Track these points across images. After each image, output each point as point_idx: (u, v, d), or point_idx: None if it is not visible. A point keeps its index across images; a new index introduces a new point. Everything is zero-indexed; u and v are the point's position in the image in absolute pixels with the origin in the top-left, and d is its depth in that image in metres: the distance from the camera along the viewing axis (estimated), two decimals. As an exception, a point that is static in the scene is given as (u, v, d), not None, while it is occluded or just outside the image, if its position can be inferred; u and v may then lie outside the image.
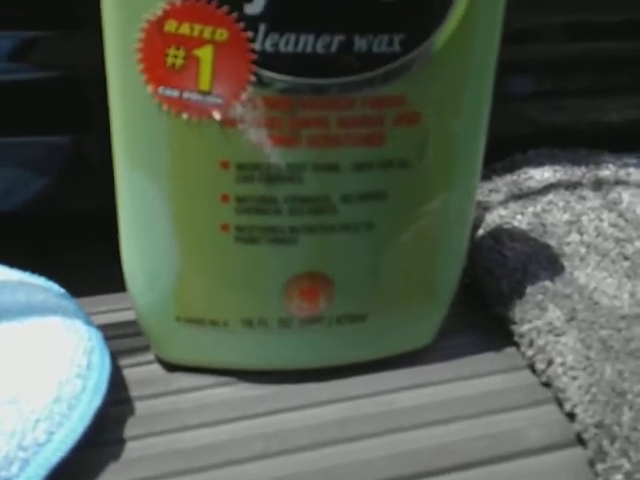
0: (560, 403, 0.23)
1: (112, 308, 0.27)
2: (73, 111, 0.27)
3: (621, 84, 0.36)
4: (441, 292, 0.25)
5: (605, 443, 0.21)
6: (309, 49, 0.19)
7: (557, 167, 0.32)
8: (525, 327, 0.25)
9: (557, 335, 0.24)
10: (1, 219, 0.28)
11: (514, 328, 0.26)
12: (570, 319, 0.25)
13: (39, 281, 0.25)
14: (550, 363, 0.24)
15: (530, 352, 0.25)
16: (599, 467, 0.21)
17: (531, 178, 0.32)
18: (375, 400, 0.24)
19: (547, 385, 0.24)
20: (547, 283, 0.26)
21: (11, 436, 0.18)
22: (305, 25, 0.19)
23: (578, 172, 0.32)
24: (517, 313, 0.26)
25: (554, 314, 0.25)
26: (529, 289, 0.26)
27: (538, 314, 0.25)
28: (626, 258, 0.28)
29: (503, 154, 0.34)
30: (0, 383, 0.20)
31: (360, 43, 0.20)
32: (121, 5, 0.19)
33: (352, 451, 0.22)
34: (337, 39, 0.19)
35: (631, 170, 0.33)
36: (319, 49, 0.19)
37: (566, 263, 0.28)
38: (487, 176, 0.32)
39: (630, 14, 0.34)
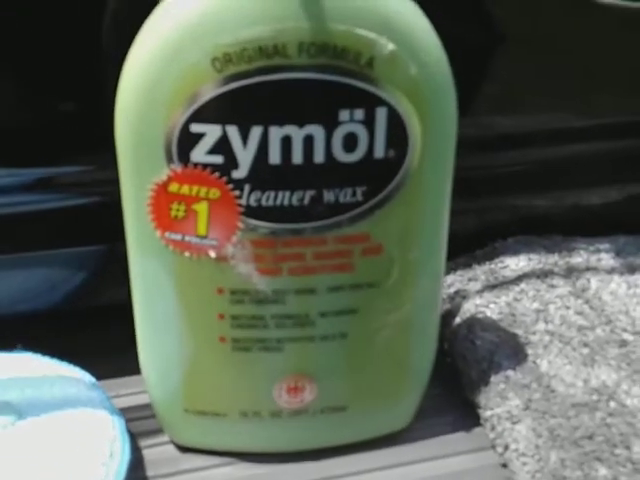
0: (513, 483, 0.27)
1: (135, 391, 0.31)
2: (106, 227, 0.32)
3: (598, 177, 0.39)
4: (415, 379, 0.29)
5: (545, 524, 0.25)
6: (286, 202, 0.24)
7: (532, 255, 0.36)
8: (488, 413, 0.29)
9: (514, 423, 0.28)
10: (42, 316, 0.33)
11: (480, 412, 0.30)
12: (526, 408, 0.28)
13: (74, 371, 0.30)
14: (506, 448, 0.28)
15: (492, 435, 0.29)
16: None
17: (507, 267, 0.35)
18: (354, 479, 0.28)
19: (504, 466, 0.28)
20: (509, 372, 0.30)
21: (47, 519, 0.23)
22: (281, 184, 0.23)
23: (551, 259, 0.36)
24: (482, 399, 0.29)
25: (513, 402, 0.29)
26: (493, 378, 0.30)
27: (499, 402, 0.29)
28: (586, 345, 0.32)
29: (487, 240, 0.37)
30: (40, 471, 0.24)
31: (329, 195, 0.24)
32: (134, 172, 0.24)
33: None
34: (309, 194, 0.24)
35: (602, 255, 0.37)
36: (294, 202, 0.24)
37: (530, 351, 0.31)
38: (468, 264, 0.36)
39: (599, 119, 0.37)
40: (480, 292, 0.34)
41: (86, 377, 0.30)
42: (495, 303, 0.33)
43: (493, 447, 0.29)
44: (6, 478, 0.24)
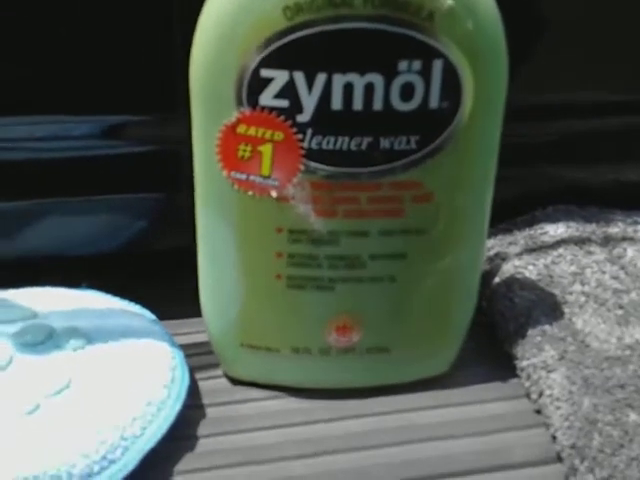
0: (547, 427, 0.28)
1: (192, 330, 0.33)
2: (169, 175, 0.34)
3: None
4: (455, 330, 0.30)
5: (577, 462, 0.26)
6: (345, 147, 0.25)
7: (571, 223, 0.37)
8: (524, 363, 0.30)
9: (549, 371, 0.30)
10: (106, 258, 0.35)
11: (516, 363, 0.31)
12: (561, 358, 0.30)
13: (135, 308, 0.32)
14: (541, 394, 0.29)
15: (527, 384, 0.30)
16: (571, 480, 0.26)
17: (546, 233, 0.37)
18: (395, 416, 0.29)
19: (538, 412, 0.29)
20: (546, 327, 0.31)
21: (116, 429, 0.25)
22: (341, 130, 0.25)
23: (589, 228, 0.37)
24: (519, 351, 0.31)
25: (549, 353, 0.30)
26: (530, 331, 0.31)
27: (536, 353, 0.30)
28: (621, 307, 0.33)
29: (528, 209, 0.39)
30: (107, 388, 0.27)
31: (384, 142, 0.26)
32: (206, 112, 0.26)
33: (372, 456, 0.27)
34: (366, 140, 0.25)
35: (639, 227, 0.38)
36: (352, 147, 0.25)
37: (566, 310, 0.33)
38: (508, 229, 0.38)
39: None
40: (519, 255, 0.36)
41: (147, 314, 0.32)
42: (534, 265, 0.35)
43: (528, 395, 0.30)
44: (78, 393, 0.26)
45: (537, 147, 0.39)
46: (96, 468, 0.24)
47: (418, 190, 0.27)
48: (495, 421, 0.29)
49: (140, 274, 0.35)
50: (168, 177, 0.34)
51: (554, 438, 0.28)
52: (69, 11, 0.31)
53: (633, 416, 0.27)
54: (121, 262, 0.35)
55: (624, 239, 0.37)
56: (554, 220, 0.38)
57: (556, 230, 0.37)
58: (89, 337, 0.29)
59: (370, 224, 0.27)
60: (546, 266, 0.35)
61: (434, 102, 0.25)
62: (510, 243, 0.37)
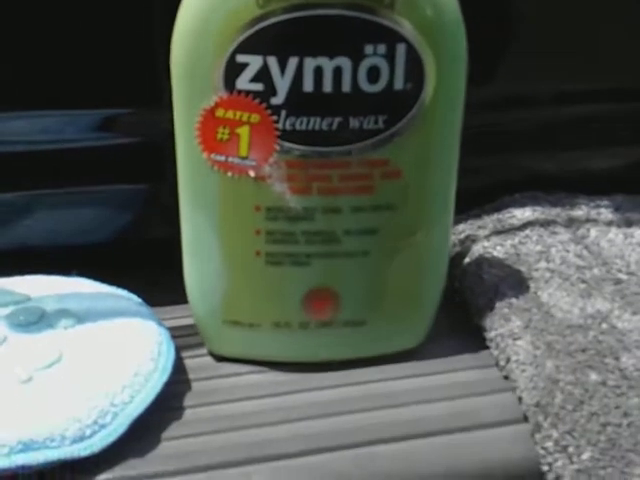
0: (513, 390, 0.30)
1: (177, 315, 0.34)
2: (154, 166, 0.36)
3: (602, 139, 0.43)
4: (426, 304, 0.32)
5: (540, 418, 0.28)
6: (317, 127, 0.27)
7: (537, 207, 0.39)
8: (493, 333, 0.32)
9: (515, 339, 0.31)
10: (94, 248, 0.37)
11: (485, 334, 0.33)
12: (526, 327, 0.32)
13: (123, 293, 0.34)
14: (508, 361, 0.31)
15: (495, 352, 0.32)
16: (536, 436, 0.28)
17: (513, 217, 0.39)
18: (371, 385, 0.31)
19: (506, 378, 0.31)
20: (513, 300, 0.33)
21: (106, 396, 0.26)
22: (313, 111, 0.27)
23: (554, 212, 0.39)
24: (487, 323, 0.33)
25: (515, 324, 0.32)
26: (498, 304, 0.33)
27: (503, 323, 0.32)
28: (584, 282, 0.35)
29: (494, 196, 0.41)
30: (98, 361, 0.28)
31: (354, 122, 0.27)
32: (186, 97, 0.28)
33: (351, 420, 0.29)
34: (337, 120, 0.27)
35: (602, 210, 0.40)
36: (324, 127, 0.27)
37: (532, 285, 0.34)
38: (478, 215, 0.39)
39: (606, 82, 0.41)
40: (488, 237, 0.37)
41: (134, 298, 0.33)
42: (501, 245, 0.37)
43: (497, 363, 0.32)
44: (69, 366, 0.28)
45: (505, 137, 0.41)
46: (88, 432, 0.25)
47: (386, 167, 0.28)
48: (466, 387, 0.31)
49: (129, 263, 0.36)
50: (154, 168, 0.36)
51: (520, 399, 0.29)
52: (50, 7, 0.33)
53: (593, 376, 0.29)
54: (110, 251, 0.37)
55: (587, 221, 0.39)
56: (521, 205, 0.40)
57: (523, 213, 0.39)
58: (79, 317, 0.30)
59: (343, 200, 0.29)
60: (513, 246, 0.37)
61: (399, 84, 0.27)
62: (479, 227, 0.38)
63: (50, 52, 0.34)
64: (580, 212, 0.40)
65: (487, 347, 0.33)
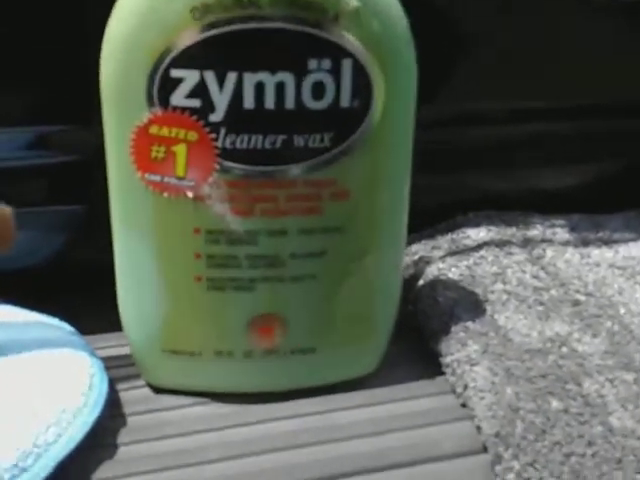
0: (472, 419, 0.29)
1: (112, 344, 0.32)
2: (84, 186, 0.34)
3: (556, 157, 0.42)
4: (379, 329, 0.31)
5: (501, 449, 0.27)
6: (259, 146, 0.26)
7: (491, 227, 0.38)
8: (449, 359, 0.31)
9: (472, 365, 0.30)
10: (26, 273, 0.35)
11: (441, 360, 0.31)
12: (484, 352, 0.30)
13: (53, 321, 0.31)
14: (465, 387, 0.30)
15: (452, 379, 0.30)
16: (497, 468, 0.27)
17: (468, 237, 0.37)
18: (320, 417, 0.29)
19: (464, 406, 0.30)
20: (469, 323, 0.32)
21: (28, 435, 0.24)
22: (255, 128, 0.26)
23: (509, 231, 0.38)
24: (443, 347, 0.31)
25: (472, 348, 0.31)
26: (453, 328, 0.32)
27: (459, 348, 0.31)
28: (541, 304, 0.34)
29: (447, 216, 0.40)
30: (21, 397, 0.26)
31: (298, 140, 0.26)
32: (117, 114, 0.26)
33: (296, 455, 0.27)
34: (280, 138, 0.26)
35: (557, 230, 0.39)
36: (267, 145, 0.26)
37: (488, 307, 0.33)
38: (431, 235, 0.38)
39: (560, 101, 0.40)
40: (442, 258, 0.36)
41: (65, 326, 0.31)
42: (456, 267, 0.35)
43: (453, 390, 0.30)
44: (-9, 403, 0.25)
45: (457, 155, 0.40)
46: (7, 476, 0.23)
47: (334, 188, 0.27)
48: (421, 416, 0.29)
49: (58, 288, 0.34)
50: (83, 188, 0.34)
51: (479, 429, 0.28)
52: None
53: (555, 403, 0.28)
54: (38, 276, 0.35)
55: (543, 241, 0.38)
56: (475, 224, 0.39)
57: (478, 234, 0.38)
58: (2, 348, 0.28)
59: (289, 222, 0.27)
60: (468, 267, 0.35)
61: (345, 100, 0.26)
62: (433, 247, 0.37)
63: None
64: (535, 232, 0.39)
65: (443, 373, 0.31)
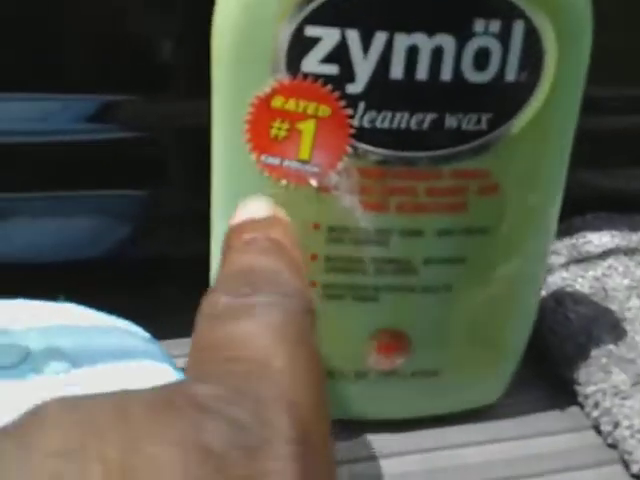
0: (626, 465, 0.24)
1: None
2: (152, 168, 0.29)
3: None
4: (510, 352, 0.26)
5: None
6: (403, 126, 0.21)
7: (614, 232, 0.33)
8: (590, 389, 0.26)
9: (623, 398, 0.25)
10: (89, 265, 0.30)
11: (579, 389, 0.27)
12: (635, 383, 0.26)
13: (125, 325, 0.27)
14: (617, 425, 0.25)
15: (595, 413, 0.26)
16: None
17: (590, 242, 0.33)
18: (444, 454, 0.25)
19: (613, 446, 0.25)
20: (611, 347, 0.27)
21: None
22: (401, 104, 0.21)
23: (635, 237, 0.33)
24: (582, 375, 0.27)
25: (619, 377, 0.26)
26: (593, 352, 0.27)
27: (603, 377, 0.26)
28: (685, 324, 0.29)
29: (562, 217, 0.35)
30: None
31: (450, 121, 0.21)
32: (233, 81, 0.21)
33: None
34: (429, 117, 0.21)
35: (687, 236, 0.34)
36: (412, 126, 0.21)
37: (628, 327, 0.28)
38: (548, 238, 0.33)
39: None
40: (565, 266, 0.31)
41: (140, 331, 0.27)
42: (583, 277, 0.31)
43: (596, 426, 0.26)
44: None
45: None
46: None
47: (485, 180, 0.22)
48: (560, 458, 0.25)
49: (130, 285, 0.29)
50: (157, 170, 0.29)
51: (638, 477, 0.23)
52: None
53: None
54: (106, 270, 0.30)
55: (674, 249, 0.33)
56: (596, 228, 0.34)
57: (600, 239, 0.33)
58: (73, 359, 0.23)
59: (427, 221, 0.22)
60: (597, 278, 0.31)
61: (511, 73, 0.21)
62: (552, 252, 0.32)
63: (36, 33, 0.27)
64: (664, 238, 0.34)
65: (578, 404, 0.27)
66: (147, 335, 0.27)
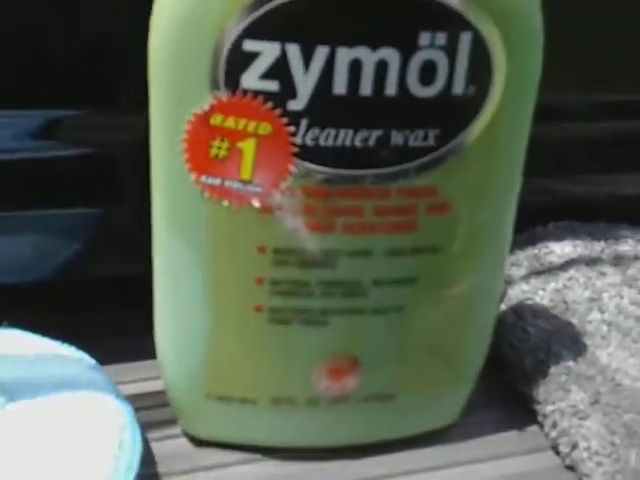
0: (583, 487, 0.24)
1: (140, 377, 0.27)
2: (103, 184, 0.28)
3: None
4: (468, 370, 0.25)
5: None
6: (348, 143, 0.20)
7: (577, 241, 0.33)
8: (549, 408, 0.25)
9: (581, 418, 0.25)
10: (33, 287, 0.29)
11: (538, 408, 0.26)
12: (594, 402, 0.25)
13: (70, 351, 0.26)
14: (574, 447, 0.24)
15: (554, 434, 0.25)
16: None
17: (552, 252, 0.32)
18: (400, 480, 0.24)
19: (570, 468, 0.24)
20: (570, 363, 0.26)
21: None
22: (345, 121, 0.20)
23: (597, 247, 0.33)
24: (541, 393, 0.26)
25: (578, 396, 0.25)
26: (552, 369, 0.26)
27: (562, 395, 0.25)
28: (647, 337, 0.28)
29: (523, 226, 0.34)
30: (37, 463, 0.20)
31: (397, 137, 0.20)
32: (170, 98, 0.20)
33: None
34: (375, 134, 0.20)
35: (650, 245, 0.34)
36: (357, 143, 0.20)
37: (588, 342, 0.28)
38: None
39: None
40: (525, 278, 0.31)
41: (85, 358, 0.26)
42: (544, 290, 0.30)
43: (554, 447, 0.25)
44: (-5, 468, 0.20)
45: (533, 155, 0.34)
46: None
47: (434, 198, 0.21)
48: (520, 481, 0.24)
49: (76, 307, 0.28)
50: (106, 187, 0.28)
51: (597, 502, 0.23)
52: None
53: (691, 472, 0.23)
54: (51, 293, 0.29)
55: (636, 258, 0.33)
56: (558, 238, 0.33)
57: (562, 249, 0.32)
58: (10, 392, 0.22)
59: (375, 241, 0.21)
60: (557, 290, 0.30)
61: (459, 86, 0.20)
62: (512, 264, 0.32)
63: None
64: (627, 247, 0.33)
65: (535, 422, 0.26)
66: (92, 362, 0.26)
